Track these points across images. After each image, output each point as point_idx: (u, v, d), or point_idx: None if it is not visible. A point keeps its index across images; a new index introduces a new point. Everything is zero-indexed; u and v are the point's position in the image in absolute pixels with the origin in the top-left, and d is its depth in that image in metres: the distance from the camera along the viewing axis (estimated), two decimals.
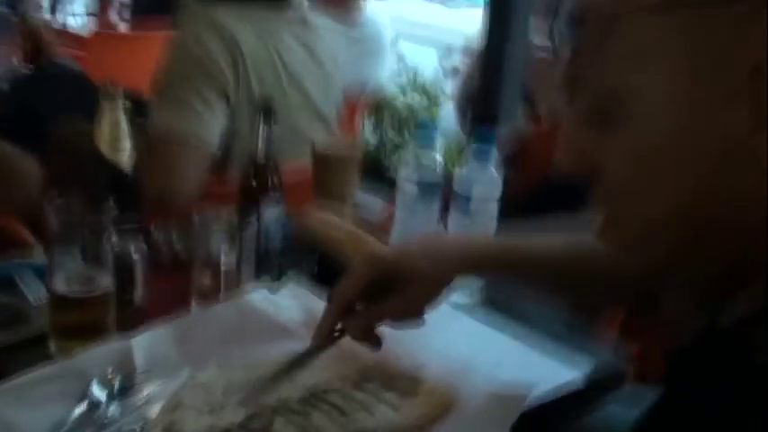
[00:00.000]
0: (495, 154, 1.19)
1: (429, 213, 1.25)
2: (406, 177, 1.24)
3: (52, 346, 0.93)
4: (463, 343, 0.99)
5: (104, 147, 1.00)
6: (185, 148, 1.34)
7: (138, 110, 1.66)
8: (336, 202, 1.33)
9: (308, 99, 1.60)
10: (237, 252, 1.02)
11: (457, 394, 0.89)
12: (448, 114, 3.80)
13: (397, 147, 3.71)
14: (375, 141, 3.61)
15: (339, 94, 1.74)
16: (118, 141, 0.99)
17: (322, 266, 1.18)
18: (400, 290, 0.80)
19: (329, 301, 0.84)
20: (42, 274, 0.98)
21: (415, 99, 3.84)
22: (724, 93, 0.46)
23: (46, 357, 0.92)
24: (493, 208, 1.19)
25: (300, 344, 0.99)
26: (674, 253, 0.52)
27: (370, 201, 2.06)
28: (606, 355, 1.05)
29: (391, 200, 1.51)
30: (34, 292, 1.03)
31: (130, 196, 1.00)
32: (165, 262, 1.16)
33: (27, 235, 1.25)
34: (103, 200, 0.93)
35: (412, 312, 0.83)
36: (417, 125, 1.24)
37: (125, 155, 0.99)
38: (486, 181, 1.18)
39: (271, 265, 1.13)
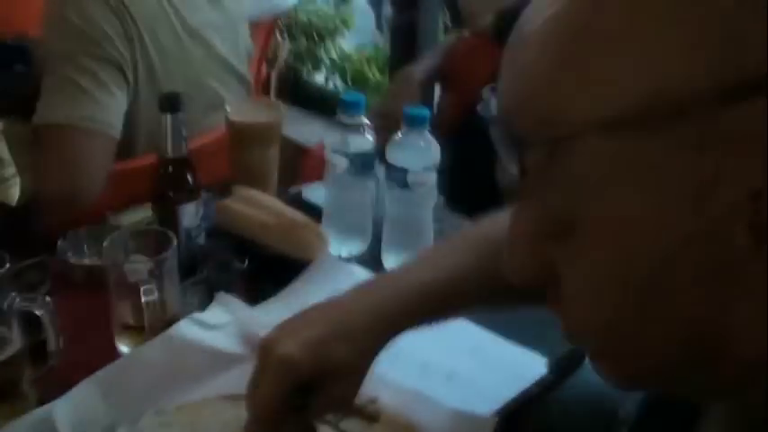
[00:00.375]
0: (428, 120, 1.09)
1: (363, 188, 1.15)
2: (336, 151, 1.12)
3: None
4: (415, 356, 0.93)
5: None
6: (85, 137, 1.19)
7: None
8: (260, 183, 1.22)
9: (216, 53, 1.45)
10: (159, 277, 0.91)
11: (417, 423, 0.83)
12: (362, 17, 3.63)
13: (314, 56, 3.55)
14: (292, 55, 3.44)
15: (249, 41, 1.59)
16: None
17: (253, 262, 1.08)
18: (326, 386, 0.68)
19: (248, 410, 0.69)
20: None
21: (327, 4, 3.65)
22: (697, 214, 0.39)
23: None
24: (432, 178, 1.09)
25: (240, 367, 0.90)
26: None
27: (297, 118, 1.94)
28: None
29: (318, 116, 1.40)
30: None
31: (26, 236, 0.88)
32: (79, 281, 1.04)
33: None
34: None
35: (347, 401, 0.72)
36: (342, 100, 1.11)
37: (10, 186, 0.86)
38: (422, 149, 1.08)
39: (197, 277, 1.02)
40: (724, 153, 0.37)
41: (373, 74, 3.32)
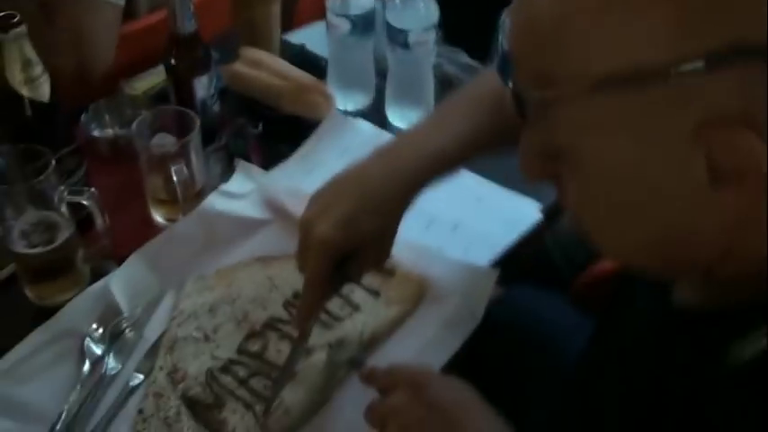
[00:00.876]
0: None
1: (365, 48, 1.20)
2: (334, 11, 1.16)
3: (26, 291, 0.94)
4: (423, 211, 1.01)
5: (18, 86, 0.90)
6: (94, 9, 1.21)
7: None
8: (264, 39, 1.26)
9: None
10: (186, 156, 0.99)
11: (428, 277, 0.94)
12: None
13: None
14: None
15: None
16: (30, 73, 0.89)
17: (266, 125, 1.15)
18: (360, 255, 0.77)
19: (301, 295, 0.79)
20: None
21: None
22: (671, 158, 0.47)
23: (21, 299, 0.93)
24: (431, 37, 1.14)
25: (266, 230, 1.01)
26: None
27: None
28: None
29: None
30: None
31: (58, 126, 0.94)
32: (107, 153, 1.12)
33: None
34: (38, 149, 0.88)
35: (379, 265, 0.82)
36: None
37: (42, 83, 0.90)
38: (420, 9, 1.12)
39: (216, 144, 1.10)
40: (686, 111, 0.45)
41: None
